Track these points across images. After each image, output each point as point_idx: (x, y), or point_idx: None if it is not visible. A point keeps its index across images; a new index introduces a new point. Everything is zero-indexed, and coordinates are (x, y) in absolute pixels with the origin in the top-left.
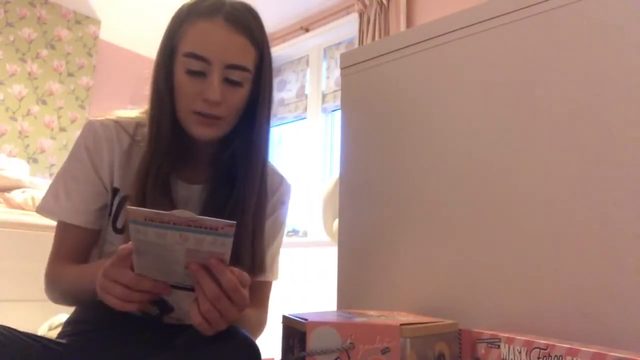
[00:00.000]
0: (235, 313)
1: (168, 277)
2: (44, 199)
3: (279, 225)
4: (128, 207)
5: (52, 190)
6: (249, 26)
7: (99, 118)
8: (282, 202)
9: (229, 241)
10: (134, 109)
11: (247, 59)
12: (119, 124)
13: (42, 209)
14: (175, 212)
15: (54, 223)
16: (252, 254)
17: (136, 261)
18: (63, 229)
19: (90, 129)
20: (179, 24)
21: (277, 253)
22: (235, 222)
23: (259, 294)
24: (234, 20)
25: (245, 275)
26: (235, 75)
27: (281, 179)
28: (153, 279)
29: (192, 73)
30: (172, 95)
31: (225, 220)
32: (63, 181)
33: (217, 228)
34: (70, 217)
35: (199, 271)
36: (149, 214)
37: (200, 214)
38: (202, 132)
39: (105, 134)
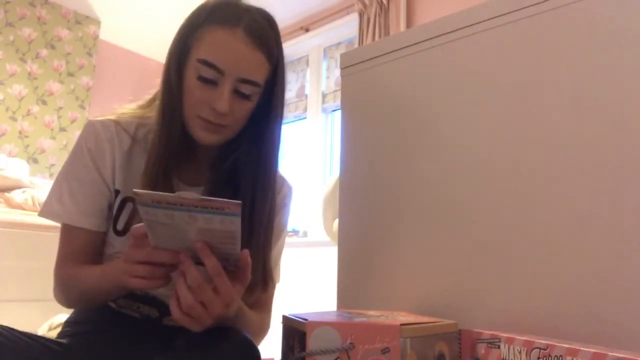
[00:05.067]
0: (221, 307)
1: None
2: (47, 202)
3: (280, 228)
4: (135, 190)
5: (56, 193)
6: (267, 41)
7: (99, 118)
8: (284, 205)
9: (237, 220)
10: (133, 102)
11: (261, 74)
12: (119, 124)
13: (46, 213)
14: (181, 193)
15: (54, 223)
16: (263, 265)
17: (151, 238)
18: (69, 232)
19: (91, 130)
20: (196, 26)
21: (279, 256)
22: (240, 201)
23: (264, 297)
24: (253, 34)
25: (246, 274)
26: (246, 89)
27: (283, 181)
28: (170, 250)
29: (203, 80)
30: (182, 96)
31: (230, 200)
32: (67, 184)
33: (223, 208)
34: (77, 220)
35: (187, 260)
36: (156, 197)
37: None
38: (205, 137)
39: (106, 135)
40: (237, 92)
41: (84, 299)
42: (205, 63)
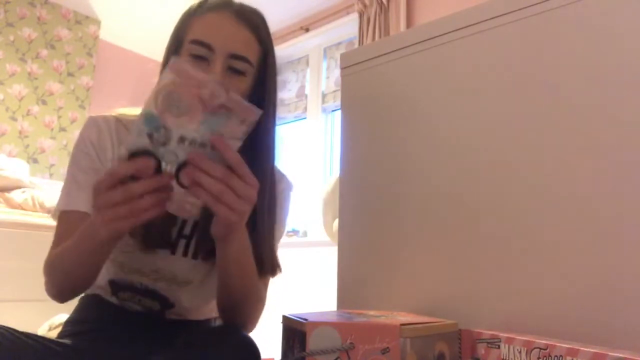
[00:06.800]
0: (251, 191)
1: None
2: (57, 202)
3: (278, 221)
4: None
5: (64, 191)
6: (255, 23)
7: (101, 115)
8: (283, 199)
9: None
10: (133, 102)
11: (251, 52)
12: (120, 121)
13: (55, 211)
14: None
15: (54, 223)
16: (270, 249)
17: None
18: (69, 218)
19: (94, 124)
20: (188, 18)
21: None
22: (261, 110)
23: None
24: (241, 15)
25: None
26: (238, 65)
27: (282, 176)
28: (141, 158)
29: (195, 57)
30: None
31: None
32: (72, 178)
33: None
34: (84, 205)
35: (199, 156)
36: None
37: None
38: None
39: (108, 130)
40: (230, 69)
41: (70, 276)
42: (196, 42)
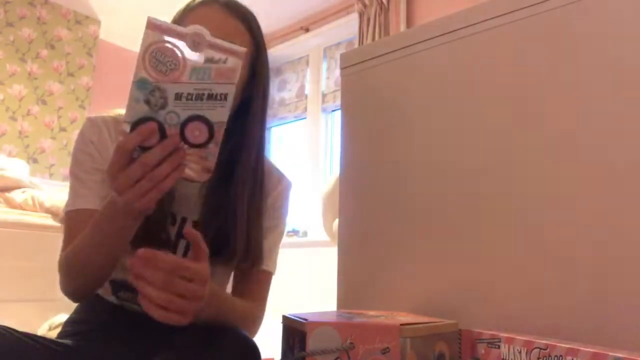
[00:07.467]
0: (198, 290)
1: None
2: (65, 205)
3: (277, 218)
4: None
5: (70, 193)
6: (245, 15)
7: (98, 115)
8: (283, 198)
9: (238, 66)
10: None
11: (242, 40)
12: (118, 121)
13: (64, 213)
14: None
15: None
16: (247, 237)
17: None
18: (78, 217)
19: (93, 124)
20: (180, 14)
21: (274, 245)
22: (245, 49)
23: (256, 286)
24: (230, 7)
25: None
26: None
27: (281, 175)
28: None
29: None
30: None
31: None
32: (76, 179)
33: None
34: (91, 203)
35: (139, 262)
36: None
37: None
38: None
39: (107, 130)
40: None
41: (87, 269)
42: None
